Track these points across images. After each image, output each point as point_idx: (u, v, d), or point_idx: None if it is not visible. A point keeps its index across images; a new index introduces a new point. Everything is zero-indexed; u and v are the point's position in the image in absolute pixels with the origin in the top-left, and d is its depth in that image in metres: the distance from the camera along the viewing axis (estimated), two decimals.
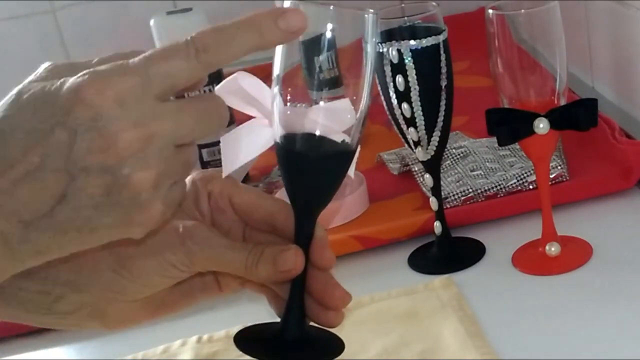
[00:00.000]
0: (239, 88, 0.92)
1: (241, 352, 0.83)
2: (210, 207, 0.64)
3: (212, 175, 0.65)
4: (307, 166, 0.66)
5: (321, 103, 0.67)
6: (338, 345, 0.69)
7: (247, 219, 0.64)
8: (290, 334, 0.69)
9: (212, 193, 0.64)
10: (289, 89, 0.67)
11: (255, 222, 0.64)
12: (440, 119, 0.85)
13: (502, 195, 0.97)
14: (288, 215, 0.63)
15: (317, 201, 0.68)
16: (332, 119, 0.67)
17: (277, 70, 0.67)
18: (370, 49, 0.66)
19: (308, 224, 0.67)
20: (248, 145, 0.86)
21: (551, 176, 0.95)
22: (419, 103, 0.83)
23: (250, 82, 0.92)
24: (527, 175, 0.97)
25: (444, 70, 0.84)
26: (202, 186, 0.64)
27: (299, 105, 0.67)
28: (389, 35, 0.84)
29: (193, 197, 0.63)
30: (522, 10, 0.81)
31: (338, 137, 0.67)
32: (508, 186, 0.97)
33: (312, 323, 0.70)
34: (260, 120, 0.86)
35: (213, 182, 0.65)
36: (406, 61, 0.82)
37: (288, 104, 0.67)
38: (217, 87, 0.91)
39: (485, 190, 0.97)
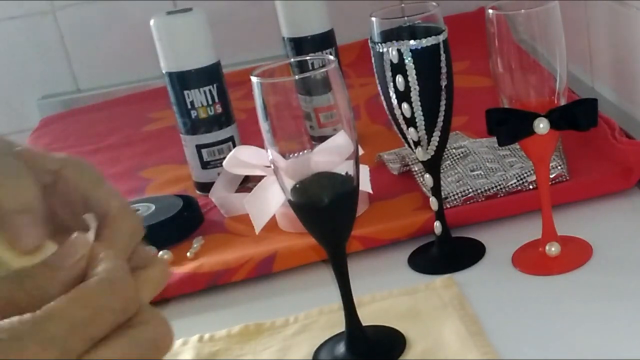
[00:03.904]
0: (240, 161, 1.01)
1: (242, 352, 0.83)
2: (56, 190, 0.54)
3: (72, 162, 0.54)
4: (323, 213, 0.71)
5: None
6: (400, 337, 0.78)
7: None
8: (356, 339, 0.77)
9: (64, 179, 0.54)
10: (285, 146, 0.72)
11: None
12: (440, 119, 0.85)
13: (502, 195, 0.97)
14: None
15: (343, 234, 0.73)
16: (334, 154, 0.71)
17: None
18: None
19: (341, 255, 0.73)
20: (270, 201, 0.95)
21: (551, 176, 0.95)
22: (419, 103, 0.83)
23: (248, 153, 1.01)
24: (527, 175, 0.97)
25: (444, 70, 0.84)
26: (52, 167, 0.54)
27: (301, 154, 0.71)
28: (389, 35, 0.84)
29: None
30: (522, 10, 0.81)
31: (341, 170, 0.71)
32: (508, 186, 0.97)
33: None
34: (270, 177, 0.94)
35: (69, 169, 0.54)
36: (406, 61, 0.82)
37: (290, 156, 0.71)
38: (223, 163, 1.01)
39: (485, 190, 0.97)
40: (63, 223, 0.53)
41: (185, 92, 1.13)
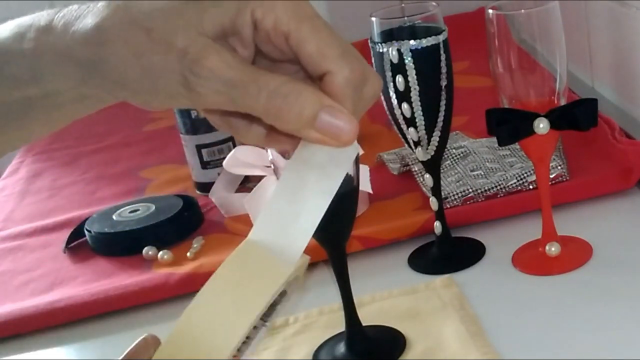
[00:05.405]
0: (240, 161, 1.01)
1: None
2: (256, 39, 0.50)
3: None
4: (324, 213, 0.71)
5: None
6: (400, 337, 0.78)
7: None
8: (356, 339, 0.77)
9: (260, 23, 0.49)
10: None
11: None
12: (440, 119, 0.85)
13: (502, 195, 0.97)
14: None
15: (343, 234, 0.73)
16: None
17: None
18: None
19: (341, 255, 0.73)
20: None
21: (551, 176, 0.95)
22: (419, 103, 0.83)
23: (248, 153, 1.00)
24: (527, 175, 0.97)
25: (444, 70, 0.84)
26: (245, 11, 0.49)
27: None
28: (389, 35, 0.84)
29: (230, 19, 0.48)
30: (522, 10, 0.81)
31: None
32: (508, 186, 0.97)
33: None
34: (270, 177, 0.94)
35: (261, 10, 0.48)
36: (406, 61, 0.82)
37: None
38: (223, 163, 1.00)
39: (485, 190, 0.97)
40: (269, 55, 0.51)
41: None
